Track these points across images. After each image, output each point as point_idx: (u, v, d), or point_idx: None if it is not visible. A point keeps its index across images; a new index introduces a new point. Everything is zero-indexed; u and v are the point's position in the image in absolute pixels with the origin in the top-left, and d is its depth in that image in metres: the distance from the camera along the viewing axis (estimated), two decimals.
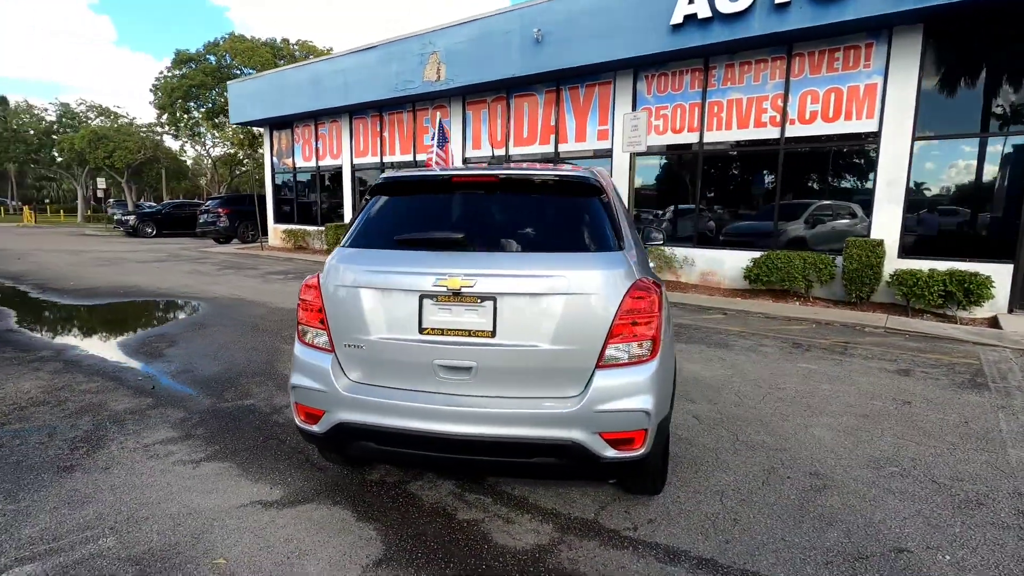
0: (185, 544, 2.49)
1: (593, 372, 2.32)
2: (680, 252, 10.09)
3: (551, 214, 2.62)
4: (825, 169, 8.95)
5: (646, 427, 2.32)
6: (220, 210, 20.13)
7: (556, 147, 11.64)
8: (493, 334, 2.36)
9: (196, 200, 28.70)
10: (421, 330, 2.42)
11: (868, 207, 8.35)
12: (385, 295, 2.46)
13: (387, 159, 14.97)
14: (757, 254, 8.96)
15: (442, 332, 2.40)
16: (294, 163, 17.75)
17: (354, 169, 15.91)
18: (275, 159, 18.54)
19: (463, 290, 2.34)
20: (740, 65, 9.24)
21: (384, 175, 2.81)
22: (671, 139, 10.14)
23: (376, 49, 13.66)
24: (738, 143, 9.47)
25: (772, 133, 9.05)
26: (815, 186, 9.08)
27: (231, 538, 2.54)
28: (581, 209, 2.60)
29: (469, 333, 2.38)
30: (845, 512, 2.79)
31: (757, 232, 9.54)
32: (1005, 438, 3.72)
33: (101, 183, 27.53)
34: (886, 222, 8.15)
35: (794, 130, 8.87)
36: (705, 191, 10.04)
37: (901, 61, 7.87)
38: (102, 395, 4.36)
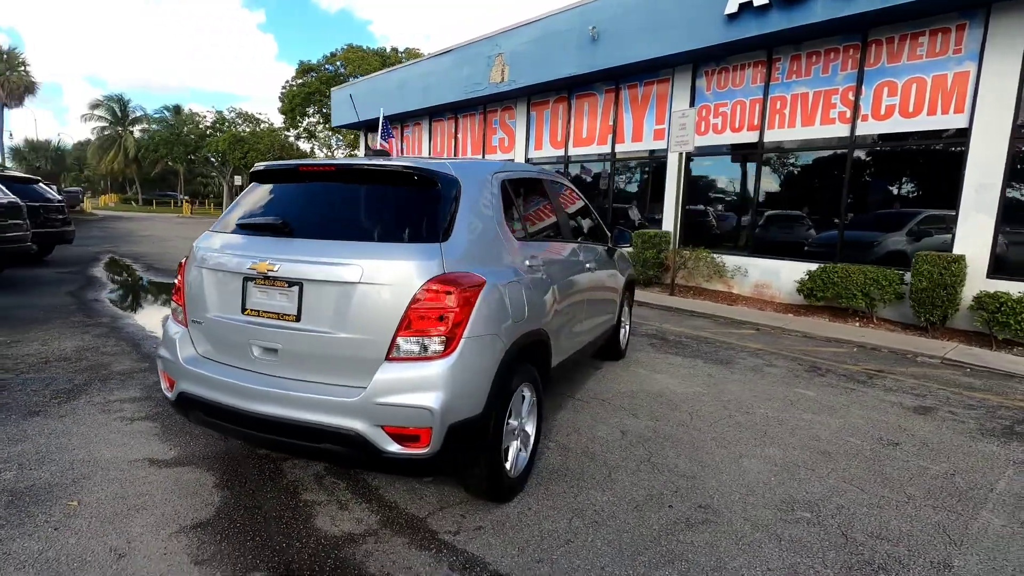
0: (62, 485, 2.84)
1: (381, 364, 2.29)
2: (732, 261, 9.31)
3: (378, 204, 2.61)
4: (901, 171, 7.77)
5: (431, 425, 2.24)
6: None
7: (613, 147, 11.29)
8: (298, 318, 2.42)
9: None
10: (243, 310, 2.54)
11: (949, 218, 7.10)
12: (220, 276, 2.62)
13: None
14: (814, 266, 8.01)
15: (259, 313, 2.50)
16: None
17: None
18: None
19: (269, 274, 2.43)
20: (807, 56, 8.31)
21: (257, 164, 2.98)
22: (730, 138, 9.38)
23: (451, 53, 14.16)
24: (802, 141, 8.53)
25: (841, 131, 8.03)
26: (890, 190, 7.91)
27: (100, 486, 2.85)
28: (409, 200, 2.57)
29: (279, 316, 2.46)
30: (702, 552, 2.46)
31: (819, 241, 8.51)
32: (988, 499, 3.02)
33: (238, 180, 31.67)
34: (972, 235, 6.88)
35: (866, 127, 7.79)
36: (764, 194, 9.16)
37: (1000, 45, 6.60)
38: (113, 358, 5.04)
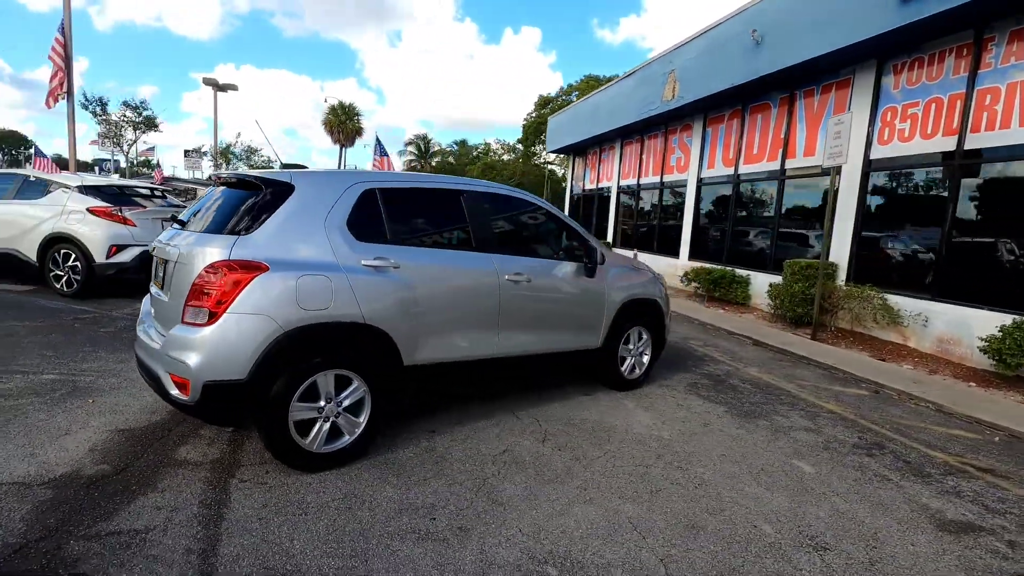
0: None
1: (177, 324, 2.94)
2: (909, 304, 7.14)
3: (227, 205, 3.25)
4: None
5: (190, 379, 2.79)
6: None
7: (783, 163, 9.73)
8: (162, 287, 3.24)
9: None
10: (152, 282, 3.49)
11: None
12: (154, 258, 3.61)
13: (643, 180, 15.13)
14: (1010, 319, 5.66)
15: (155, 283, 3.42)
16: (583, 186, 19.65)
17: (619, 192, 16.62)
18: (574, 183, 20.90)
19: (155, 254, 3.31)
20: None
21: (210, 175, 3.96)
22: (918, 146, 7.25)
23: (634, 75, 14.08)
24: (1020, 147, 6.11)
25: None
26: None
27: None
28: (242, 202, 3.17)
29: (160, 286, 3.32)
30: (411, 561, 2.41)
31: None
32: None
33: None
34: None
35: None
36: (959, 218, 6.80)
37: None
38: None
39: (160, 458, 3.22)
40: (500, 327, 3.92)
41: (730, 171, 11.21)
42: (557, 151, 21.96)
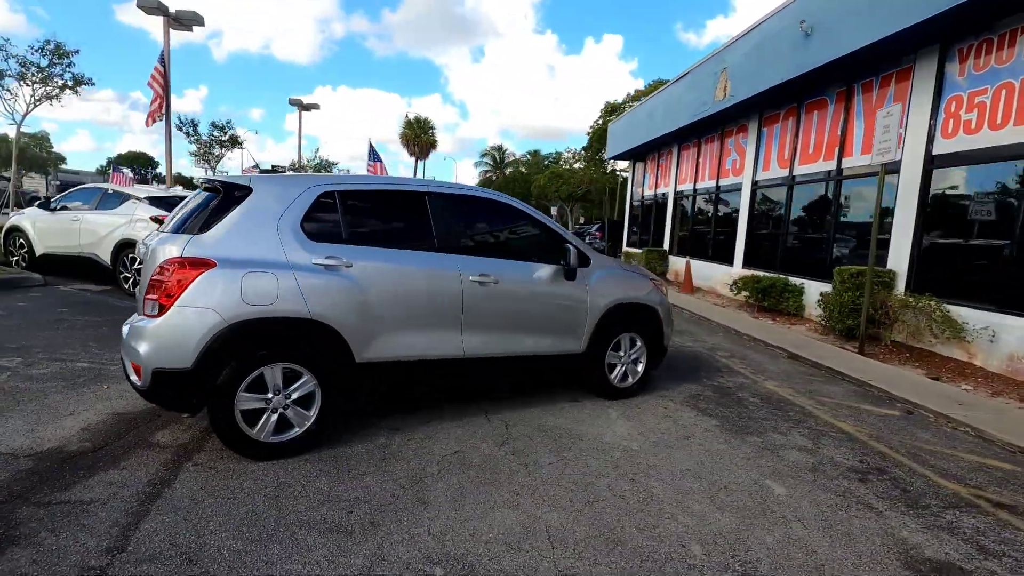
0: None
1: (138, 315, 3.20)
2: (975, 316, 6.30)
3: (195, 207, 3.49)
4: None
5: (141, 365, 3.04)
6: (597, 233, 23.58)
7: (839, 161, 8.96)
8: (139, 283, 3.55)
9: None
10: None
11: None
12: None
13: (699, 185, 14.49)
14: None
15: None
16: (643, 192, 19.13)
17: (676, 197, 16.02)
18: (634, 188, 20.40)
19: (140, 250, 3.64)
20: None
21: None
22: (986, 139, 6.41)
23: (686, 77, 13.56)
24: None
25: None
26: None
27: None
28: (203, 204, 3.41)
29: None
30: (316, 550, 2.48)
31: None
32: None
33: (554, 210, 36.57)
34: None
35: None
36: None
37: None
38: None
39: (137, 440, 3.51)
40: (465, 328, 3.92)
41: (785, 173, 10.49)
42: (617, 157, 21.55)
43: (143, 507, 2.75)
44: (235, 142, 28.79)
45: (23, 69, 16.21)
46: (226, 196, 3.38)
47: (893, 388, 5.40)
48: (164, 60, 16.48)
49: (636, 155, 19.36)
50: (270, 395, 3.27)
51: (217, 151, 28.32)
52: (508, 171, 64.27)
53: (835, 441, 4.10)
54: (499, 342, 4.10)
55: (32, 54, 16.19)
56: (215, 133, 28.36)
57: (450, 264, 3.86)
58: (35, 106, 17.13)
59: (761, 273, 10.51)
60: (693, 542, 2.68)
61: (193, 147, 28.84)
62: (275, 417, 3.30)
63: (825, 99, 9.45)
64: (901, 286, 7.44)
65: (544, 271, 4.29)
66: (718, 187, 13.31)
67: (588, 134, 33.35)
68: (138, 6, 16.62)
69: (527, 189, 45.36)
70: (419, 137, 42.90)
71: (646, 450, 3.76)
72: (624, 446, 3.81)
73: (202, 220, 3.31)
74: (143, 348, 3.06)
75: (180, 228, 3.34)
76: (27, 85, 16.37)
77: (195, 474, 3.10)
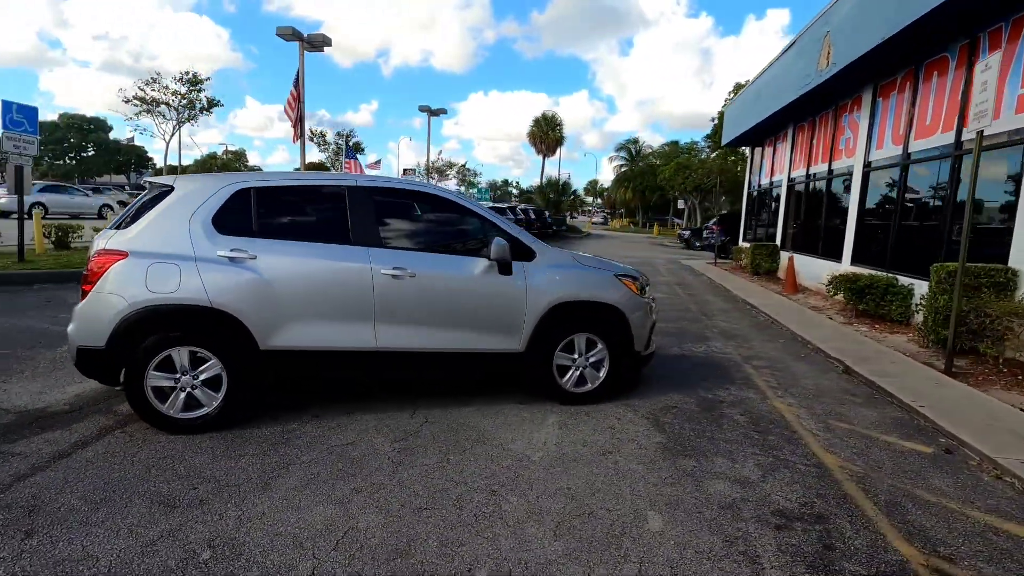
0: None
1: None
2: None
3: (132, 206, 3.91)
4: None
5: (71, 343, 3.52)
6: (715, 227, 21.71)
7: (958, 134, 7.16)
8: None
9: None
10: None
11: None
12: None
13: (813, 169, 12.59)
14: None
15: None
16: (759, 181, 17.17)
17: (789, 185, 14.11)
18: (751, 177, 18.39)
19: None
20: None
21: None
22: None
23: (792, 47, 11.84)
24: None
25: None
26: None
27: None
28: (140, 202, 3.82)
29: None
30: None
31: None
32: None
33: (680, 203, 34.22)
34: None
35: None
36: None
37: None
38: None
39: (105, 408, 4.05)
40: (379, 321, 3.91)
41: (898, 151, 8.69)
42: (731, 144, 19.61)
43: (47, 463, 3.19)
44: (358, 149, 32.24)
45: (173, 97, 20.17)
46: (155, 195, 3.78)
47: (949, 419, 4.21)
48: (298, 81, 18.74)
49: (752, 140, 17.44)
50: (178, 375, 3.59)
51: (343, 157, 31.89)
52: (642, 164, 62.04)
53: (793, 476, 3.33)
54: (418, 337, 4.01)
55: (176, 84, 20.25)
56: (339, 142, 32.08)
57: (361, 257, 3.87)
58: (180, 126, 21.15)
59: (865, 271, 8.86)
60: (484, 569, 2.39)
61: (323, 155, 32.98)
62: (183, 396, 3.61)
63: (946, 57, 7.63)
64: None
65: (473, 265, 4.10)
66: (830, 171, 11.47)
67: (713, 120, 30.67)
68: (277, 35, 19.06)
69: (654, 182, 43.43)
70: (546, 135, 43.28)
71: (545, 463, 3.42)
72: (525, 456, 3.50)
73: (129, 217, 3.73)
74: (71, 328, 3.55)
75: (117, 225, 3.80)
76: (174, 109, 20.27)
77: (112, 440, 3.51)
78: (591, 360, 4.42)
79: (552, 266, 4.31)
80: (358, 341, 3.90)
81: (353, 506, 2.85)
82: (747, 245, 16.93)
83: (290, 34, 18.66)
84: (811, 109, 12.41)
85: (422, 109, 33.58)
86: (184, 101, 20.74)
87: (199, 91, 20.91)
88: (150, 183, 3.98)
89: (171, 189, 3.75)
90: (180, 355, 3.58)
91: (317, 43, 19.31)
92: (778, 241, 14.56)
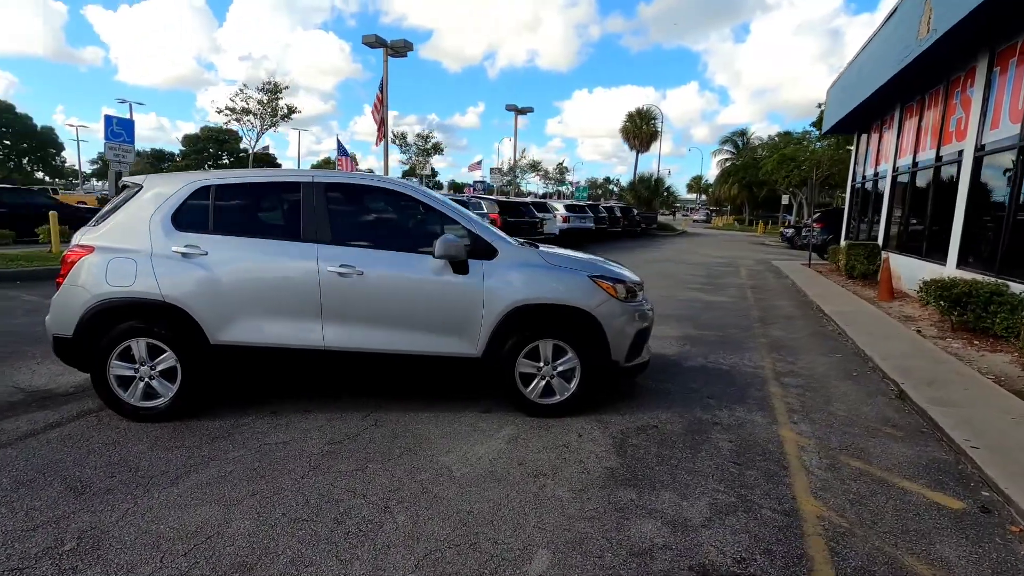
0: None
1: None
2: None
3: (111, 203, 4.15)
4: None
5: (48, 332, 3.81)
6: (815, 224, 19.54)
7: None
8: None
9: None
10: None
11: None
12: None
13: (919, 157, 10.79)
14: None
15: None
16: (863, 171, 15.11)
17: (894, 175, 12.22)
18: (855, 168, 16.25)
19: None
20: None
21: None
22: None
23: (894, 15, 10.17)
24: None
25: None
26: None
27: None
28: (115, 200, 4.04)
29: None
30: None
31: None
32: None
33: (785, 199, 31.04)
34: None
35: None
36: None
37: None
38: None
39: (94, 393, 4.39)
40: (326, 320, 3.83)
41: (1016, 129, 7.13)
42: (833, 131, 17.43)
43: (14, 440, 3.47)
44: (437, 149, 33.39)
45: (257, 106, 22.51)
46: (127, 194, 3.99)
47: (1003, 468, 3.29)
48: (383, 87, 19.64)
49: (856, 125, 15.41)
50: (138, 365, 3.76)
51: (422, 158, 32.94)
52: (747, 157, 57.87)
53: (748, 523, 2.75)
54: (368, 337, 3.88)
55: (258, 93, 22.60)
56: (418, 143, 33.46)
57: (309, 254, 3.82)
58: (263, 132, 23.58)
59: (967, 275, 7.41)
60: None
61: (404, 156, 34.61)
62: (142, 385, 3.78)
63: None
64: None
65: (426, 263, 3.88)
66: (939, 157, 9.77)
67: (820, 106, 27.21)
68: (363, 43, 20.09)
69: (756, 176, 40.13)
70: (640, 129, 41.60)
71: (465, 480, 3.13)
72: (448, 470, 3.24)
73: (105, 214, 3.97)
74: (47, 317, 3.84)
75: (96, 222, 4.06)
76: (257, 116, 22.59)
77: (81, 424, 3.75)
78: (559, 369, 4.03)
79: (516, 265, 3.98)
80: (306, 340, 3.85)
81: (238, 510, 2.77)
82: (845, 244, 15.01)
83: (374, 41, 19.58)
84: (919, 86, 10.65)
85: (509, 108, 33.85)
86: (268, 109, 22.87)
87: (277, 99, 22.96)
88: (126, 183, 4.21)
89: (140, 187, 3.94)
90: (139, 346, 3.74)
91: (399, 48, 20.07)
92: (880, 240, 12.72)
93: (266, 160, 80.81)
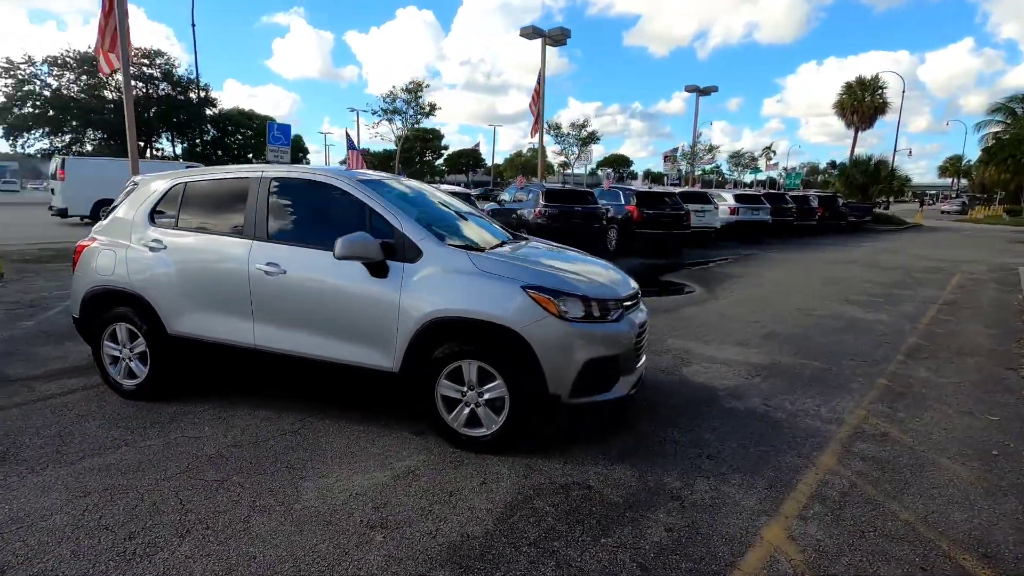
0: None
1: None
2: None
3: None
4: None
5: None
6: None
7: None
8: None
9: None
10: None
11: None
12: None
13: None
14: None
15: None
16: None
17: None
18: None
19: None
20: None
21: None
22: None
23: None
24: None
25: None
26: None
27: None
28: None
29: None
30: None
31: None
32: None
33: None
34: None
35: None
36: None
37: None
38: None
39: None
40: (256, 318, 3.76)
41: None
42: None
43: (12, 406, 4.07)
44: (592, 138, 32.39)
45: (402, 105, 24.66)
46: (127, 191, 4.41)
47: None
48: (540, 78, 19.65)
49: None
50: (120, 347, 4.15)
51: (576, 149, 31.96)
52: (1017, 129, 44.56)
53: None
54: (290, 339, 3.69)
55: (402, 93, 24.64)
56: (572, 132, 32.69)
57: (242, 251, 3.76)
58: (408, 130, 25.61)
59: None
60: None
61: (558, 146, 34.17)
62: (124, 365, 4.17)
63: None
64: None
65: (346, 263, 3.52)
66: None
67: None
68: (520, 35, 20.31)
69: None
70: (861, 102, 34.35)
71: (298, 518, 2.73)
72: (298, 500, 2.87)
73: (110, 210, 4.45)
74: (70, 301, 4.46)
75: (104, 216, 4.57)
76: (399, 115, 24.77)
77: (79, 395, 4.24)
78: (486, 397, 3.34)
79: (440, 271, 3.39)
80: (239, 337, 3.82)
81: (75, 504, 2.80)
82: None
83: (531, 32, 19.62)
84: None
85: (688, 89, 31.23)
86: (415, 106, 24.68)
87: (418, 97, 24.47)
88: (133, 181, 4.67)
89: (136, 184, 4.32)
90: (120, 330, 4.13)
91: (557, 37, 19.79)
92: None
93: (472, 157, 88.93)
